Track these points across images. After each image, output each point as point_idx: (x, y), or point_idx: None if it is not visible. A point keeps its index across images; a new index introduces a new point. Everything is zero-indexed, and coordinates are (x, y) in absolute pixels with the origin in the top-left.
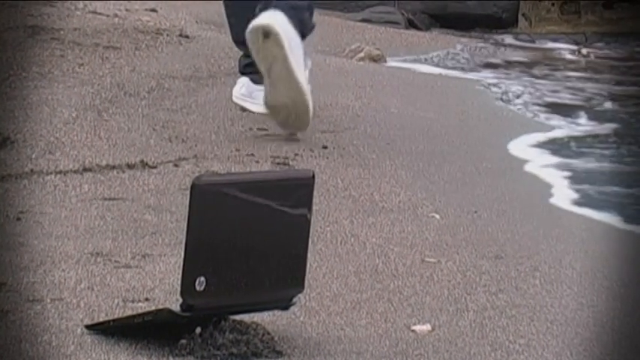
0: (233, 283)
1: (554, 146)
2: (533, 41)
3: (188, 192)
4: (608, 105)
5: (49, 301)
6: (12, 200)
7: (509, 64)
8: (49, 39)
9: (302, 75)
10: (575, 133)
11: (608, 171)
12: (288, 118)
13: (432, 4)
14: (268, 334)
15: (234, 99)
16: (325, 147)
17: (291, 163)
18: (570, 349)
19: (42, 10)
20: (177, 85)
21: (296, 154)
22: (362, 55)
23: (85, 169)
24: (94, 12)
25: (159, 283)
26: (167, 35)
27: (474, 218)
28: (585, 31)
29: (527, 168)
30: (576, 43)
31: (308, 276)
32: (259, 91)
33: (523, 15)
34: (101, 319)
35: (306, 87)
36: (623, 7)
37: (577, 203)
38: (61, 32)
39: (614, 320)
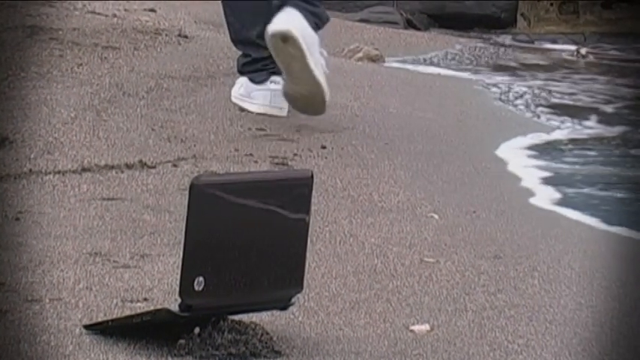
0: (232, 283)
1: (554, 147)
2: (531, 41)
3: (187, 192)
4: (608, 106)
5: (47, 301)
6: (11, 200)
7: (508, 64)
8: (48, 39)
9: (319, 71)
10: (575, 135)
11: (606, 174)
12: (306, 106)
13: (431, 4)
14: (267, 334)
15: (233, 99)
16: (324, 147)
17: (289, 163)
18: (569, 349)
19: (41, 10)
20: (176, 85)
21: (295, 154)
22: (360, 55)
23: (84, 169)
24: (93, 12)
25: (157, 283)
26: (166, 35)
27: (472, 218)
28: (584, 31)
29: (526, 168)
30: (575, 43)
31: (307, 276)
32: (258, 90)
33: (522, 15)
34: (100, 319)
35: (323, 81)
36: (621, 7)
37: (575, 204)
38: (60, 32)
39: (612, 320)
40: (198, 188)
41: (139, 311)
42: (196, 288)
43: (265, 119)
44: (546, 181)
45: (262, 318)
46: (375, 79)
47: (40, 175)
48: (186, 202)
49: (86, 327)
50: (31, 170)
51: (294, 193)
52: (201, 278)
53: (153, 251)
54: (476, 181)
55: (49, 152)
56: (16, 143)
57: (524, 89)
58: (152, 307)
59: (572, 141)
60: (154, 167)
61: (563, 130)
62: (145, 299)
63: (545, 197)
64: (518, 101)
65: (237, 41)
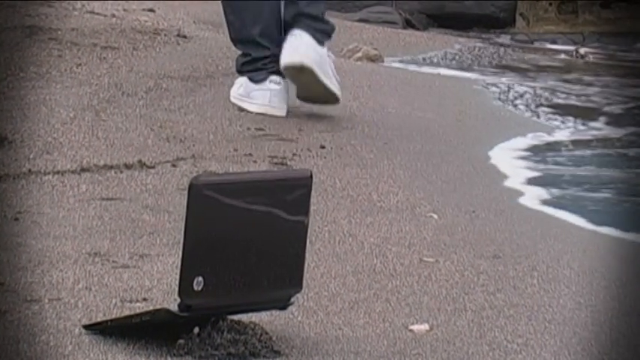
0: (231, 282)
1: (553, 147)
2: (530, 41)
3: (186, 192)
4: (608, 106)
5: (46, 301)
6: (10, 200)
7: (507, 64)
8: (47, 39)
9: (334, 84)
10: (575, 135)
11: (605, 175)
12: (319, 103)
13: (430, 3)
14: (266, 333)
15: (232, 99)
16: (323, 147)
17: (288, 163)
18: (568, 348)
19: (39, 11)
20: (175, 85)
21: (294, 154)
22: (359, 55)
23: (83, 170)
24: (92, 12)
25: (157, 283)
26: (165, 35)
27: (471, 218)
28: (583, 31)
29: (525, 168)
30: (574, 43)
31: (306, 276)
32: (257, 90)
33: (521, 15)
34: (99, 319)
35: (337, 90)
36: (620, 6)
37: (574, 204)
38: (59, 32)
39: (612, 320)
40: (198, 188)
41: (138, 311)
42: (195, 288)
43: (264, 119)
44: (546, 181)
45: (261, 318)
46: (374, 78)
47: (39, 175)
48: (185, 202)
49: (85, 327)
50: (30, 170)
51: (293, 193)
52: (200, 278)
53: (152, 251)
54: (475, 181)
55: (48, 152)
56: (15, 143)
57: (524, 89)
58: (151, 307)
59: (573, 141)
60: (153, 167)
61: (563, 130)
62: (145, 299)
63: (544, 197)
64: (518, 101)
65: (237, 40)
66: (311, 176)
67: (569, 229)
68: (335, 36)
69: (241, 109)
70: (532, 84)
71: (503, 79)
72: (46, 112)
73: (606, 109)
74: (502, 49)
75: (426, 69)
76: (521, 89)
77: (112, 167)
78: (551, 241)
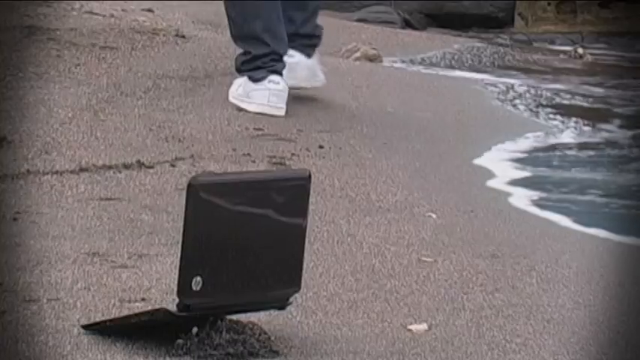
0: (229, 282)
1: (552, 148)
2: (529, 41)
3: (184, 192)
4: (609, 106)
5: (45, 301)
6: (8, 200)
7: (506, 64)
8: (46, 39)
9: (319, 78)
10: (575, 135)
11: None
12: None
13: (429, 3)
14: (265, 333)
15: (231, 99)
16: (322, 147)
17: (287, 162)
18: (567, 347)
19: (38, 11)
20: (174, 85)
21: (292, 154)
22: (358, 54)
23: (82, 170)
24: (91, 12)
25: (155, 283)
26: (163, 35)
27: (470, 218)
28: (581, 31)
29: (523, 169)
30: (572, 43)
31: (305, 276)
32: (256, 90)
33: (519, 14)
34: (98, 319)
35: (320, 81)
36: (619, 6)
37: (572, 204)
38: (58, 32)
39: (610, 319)
40: (196, 188)
41: (137, 311)
42: (194, 288)
43: (263, 119)
44: (545, 181)
45: (260, 318)
46: (373, 78)
47: (37, 176)
48: (184, 202)
49: (84, 327)
50: (28, 170)
51: (292, 192)
52: (199, 278)
53: (151, 251)
54: (474, 181)
55: (47, 152)
56: (13, 143)
57: (523, 89)
58: (150, 307)
59: (572, 142)
60: (152, 167)
61: (562, 130)
62: (143, 299)
63: (543, 197)
64: (517, 101)
65: (237, 37)
66: (309, 176)
67: (567, 229)
68: (334, 36)
69: (240, 109)
70: (531, 84)
71: (502, 79)
72: (44, 112)
73: (607, 109)
74: (501, 48)
75: (424, 69)
76: (520, 89)
77: (110, 167)
78: (550, 241)
